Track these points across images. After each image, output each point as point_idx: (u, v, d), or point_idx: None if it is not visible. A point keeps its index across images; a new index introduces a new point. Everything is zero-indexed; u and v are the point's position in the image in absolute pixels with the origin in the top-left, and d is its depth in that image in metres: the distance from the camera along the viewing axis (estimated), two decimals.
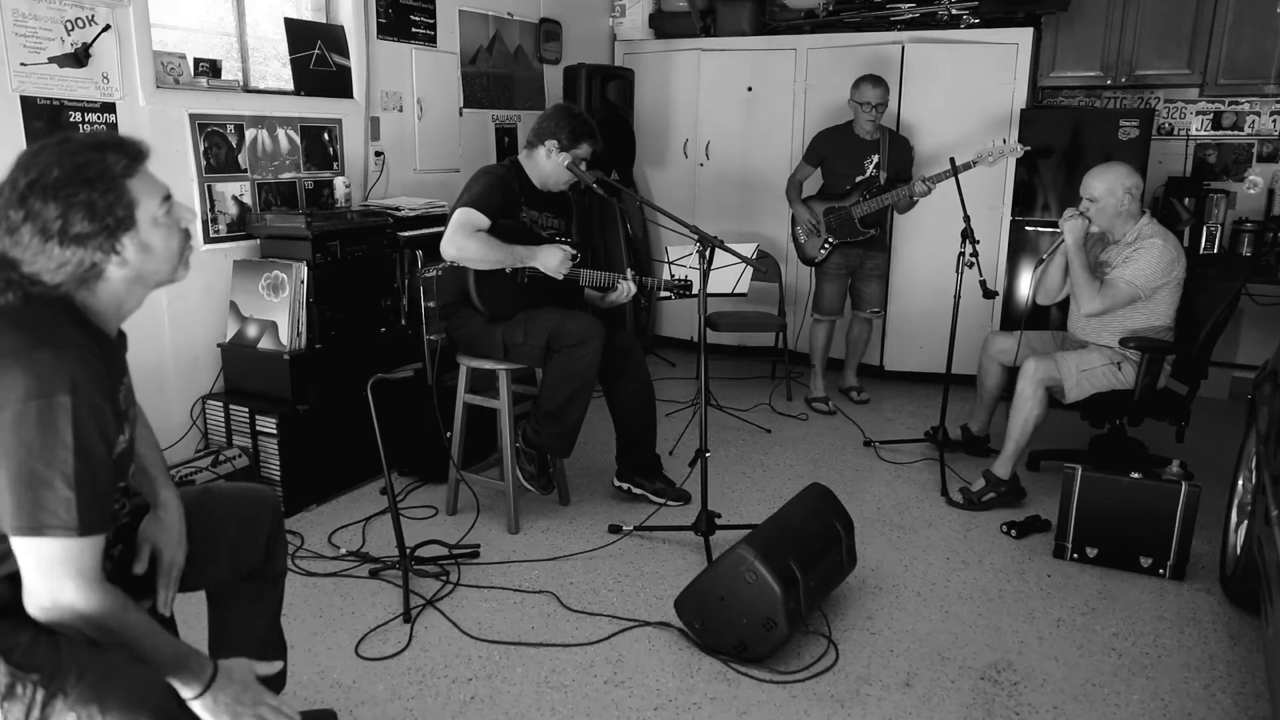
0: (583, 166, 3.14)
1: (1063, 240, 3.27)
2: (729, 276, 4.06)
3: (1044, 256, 3.43)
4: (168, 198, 1.44)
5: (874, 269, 4.50)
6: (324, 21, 3.96)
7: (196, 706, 1.36)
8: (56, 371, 1.27)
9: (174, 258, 1.46)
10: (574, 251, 3.05)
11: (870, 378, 5.10)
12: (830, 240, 4.34)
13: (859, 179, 4.30)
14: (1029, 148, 3.92)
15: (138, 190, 1.38)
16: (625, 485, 3.40)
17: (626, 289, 3.17)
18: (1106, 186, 3.23)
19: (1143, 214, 3.28)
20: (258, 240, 3.47)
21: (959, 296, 3.52)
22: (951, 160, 3.66)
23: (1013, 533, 3.15)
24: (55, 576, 1.28)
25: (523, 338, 3.01)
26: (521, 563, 2.95)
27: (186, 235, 1.48)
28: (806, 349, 4.74)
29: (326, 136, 3.84)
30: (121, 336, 1.51)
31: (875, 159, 4.28)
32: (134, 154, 1.39)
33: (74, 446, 1.27)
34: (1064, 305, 3.60)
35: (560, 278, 3.01)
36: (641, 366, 3.29)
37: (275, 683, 1.93)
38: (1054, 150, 4.43)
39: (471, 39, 4.62)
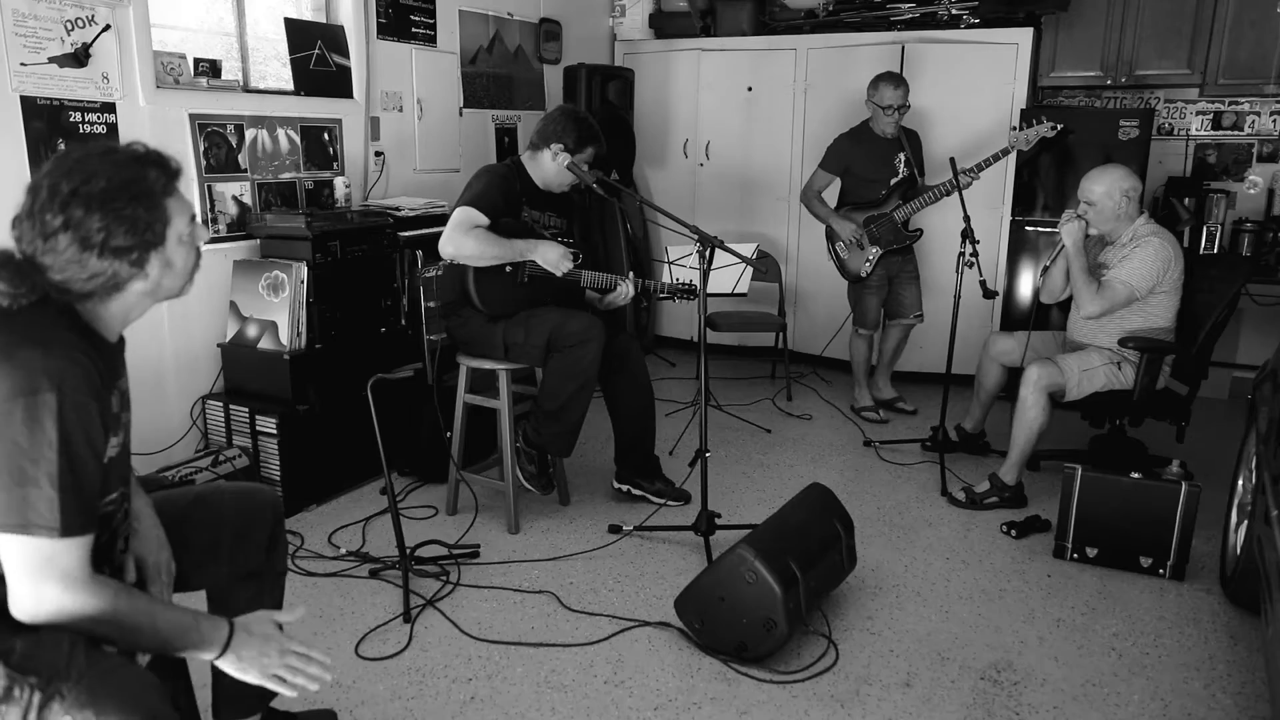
0: (585, 167, 3.14)
1: (1063, 245, 3.27)
2: (729, 276, 4.06)
3: (1046, 264, 3.43)
4: (193, 218, 1.47)
5: (911, 272, 4.30)
6: (324, 21, 3.95)
7: (223, 664, 1.40)
8: (42, 369, 1.27)
9: (188, 275, 1.49)
10: (574, 251, 3.04)
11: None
12: (875, 251, 4.12)
13: (894, 181, 4.14)
14: (1061, 125, 3.91)
15: (173, 209, 1.41)
16: (625, 487, 3.40)
17: (625, 291, 3.17)
18: (1104, 189, 3.23)
19: (1140, 214, 3.28)
20: (258, 240, 3.47)
21: (959, 296, 3.52)
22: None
23: (1013, 533, 3.15)
24: (37, 580, 1.27)
25: (523, 337, 3.01)
26: (521, 563, 2.95)
27: (198, 253, 1.51)
28: (811, 350, 4.70)
29: (326, 136, 3.84)
30: (120, 340, 1.51)
31: (902, 156, 4.12)
32: (172, 173, 1.42)
33: (58, 445, 1.27)
34: (1065, 306, 3.60)
35: (560, 274, 3.01)
36: (641, 366, 3.29)
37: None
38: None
39: (471, 39, 4.62)
